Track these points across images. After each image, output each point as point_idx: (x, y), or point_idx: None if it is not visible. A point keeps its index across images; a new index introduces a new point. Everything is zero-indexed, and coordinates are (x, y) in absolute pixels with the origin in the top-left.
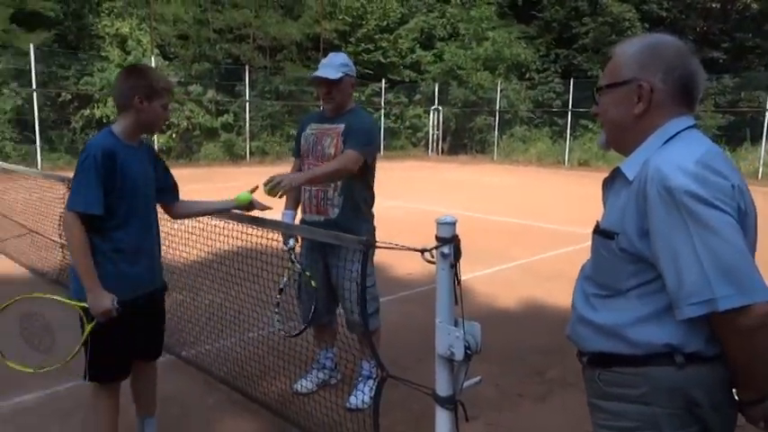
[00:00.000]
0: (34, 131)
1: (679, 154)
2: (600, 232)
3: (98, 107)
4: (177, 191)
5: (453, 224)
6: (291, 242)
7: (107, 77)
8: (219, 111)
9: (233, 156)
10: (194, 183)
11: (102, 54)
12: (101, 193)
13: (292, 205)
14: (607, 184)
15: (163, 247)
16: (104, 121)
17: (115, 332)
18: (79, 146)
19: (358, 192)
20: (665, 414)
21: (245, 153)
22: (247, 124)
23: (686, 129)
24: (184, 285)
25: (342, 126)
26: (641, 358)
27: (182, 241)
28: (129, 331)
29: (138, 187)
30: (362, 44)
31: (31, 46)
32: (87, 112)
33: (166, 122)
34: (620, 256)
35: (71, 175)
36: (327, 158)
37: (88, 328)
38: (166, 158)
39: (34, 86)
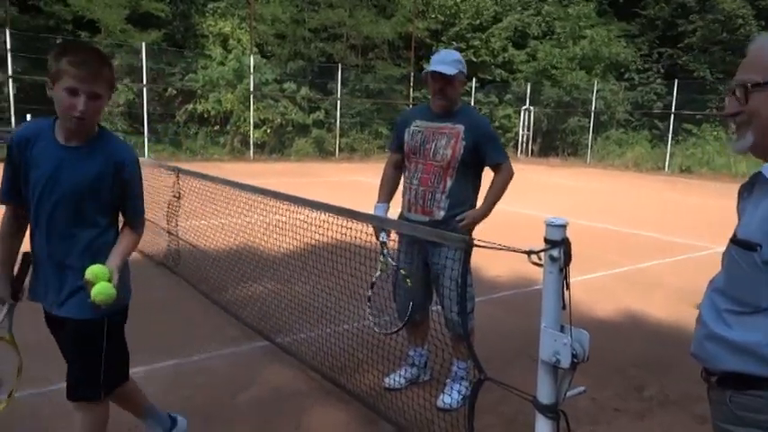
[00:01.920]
0: (143, 123)
1: None
2: (738, 243)
3: (200, 102)
4: (128, 218)
5: (564, 226)
6: (383, 236)
7: (209, 74)
8: (311, 108)
9: (323, 152)
10: (287, 176)
11: (206, 52)
12: (8, 183)
13: (385, 198)
14: (745, 191)
15: (265, 237)
16: (205, 116)
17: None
18: (182, 138)
19: (466, 194)
20: None
21: (335, 149)
22: (338, 121)
23: None
24: (281, 276)
25: (460, 127)
26: None
27: (281, 232)
28: (52, 333)
29: (41, 190)
30: (454, 42)
31: (143, 44)
32: (190, 106)
33: (80, 113)
34: (763, 270)
35: (174, 164)
36: (442, 159)
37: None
38: (261, 152)
39: (144, 82)
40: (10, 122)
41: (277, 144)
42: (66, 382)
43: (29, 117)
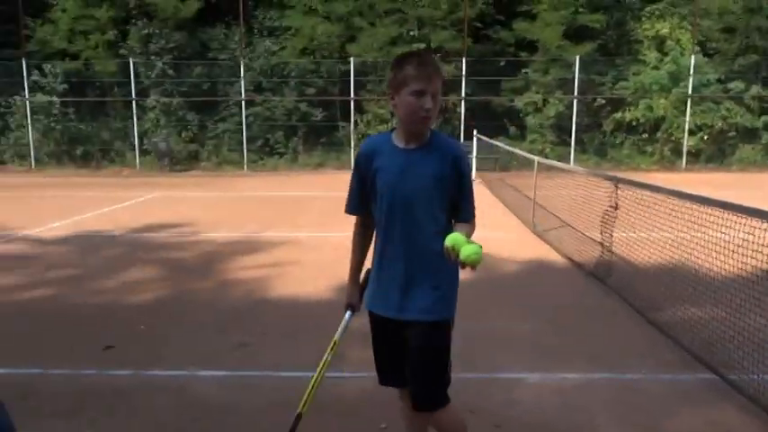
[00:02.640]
0: (570, 134)
1: None
2: None
3: (629, 110)
4: (462, 213)
5: None
6: None
7: (641, 80)
8: (764, 108)
9: None
10: (726, 189)
11: (639, 57)
12: (356, 195)
13: None
14: None
15: (710, 256)
16: (633, 123)
17: (373, 336)
18: (608, 149)
19: None
20: None
21: None
22: None
23: None
24: (729, 303)
25: None
26: None
27: (734, 250)
28: (381, 343)
29: (389, 193)
30: None
31: (577, 57)
32: (618, 115)
33: (426, 112)
34: None
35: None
36: None
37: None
38: (695, 161)
39: (575, 94)
40: (459, 137)
41: (715, 152)
42: (412, 387)
43: (474, 132)
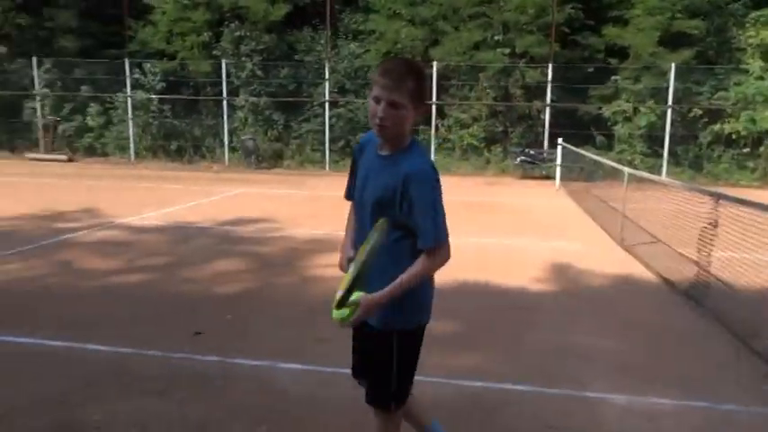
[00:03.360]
0: (662, 146)
1: None
2: None
3: (728, 122)
4: (419, 242)
5: None
6: None
7: (743, 91)
8: None
9: None
10: None
11: (742, 67)
12: (350, 183)
13: None
14: None
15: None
16: (734, 137)
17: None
18: (704, 162)
19: None
20: None
21: None
22: None
23: None
24: None
25: None
26: None
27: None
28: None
29: (360, 193)
30: None
31: (672, 65)
32: (716, 127)
33: (379, 120)
34: None
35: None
36: None
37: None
38: None
39: (670, 103)
40: (543, 145)
41: None
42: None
43: (560, 140)
